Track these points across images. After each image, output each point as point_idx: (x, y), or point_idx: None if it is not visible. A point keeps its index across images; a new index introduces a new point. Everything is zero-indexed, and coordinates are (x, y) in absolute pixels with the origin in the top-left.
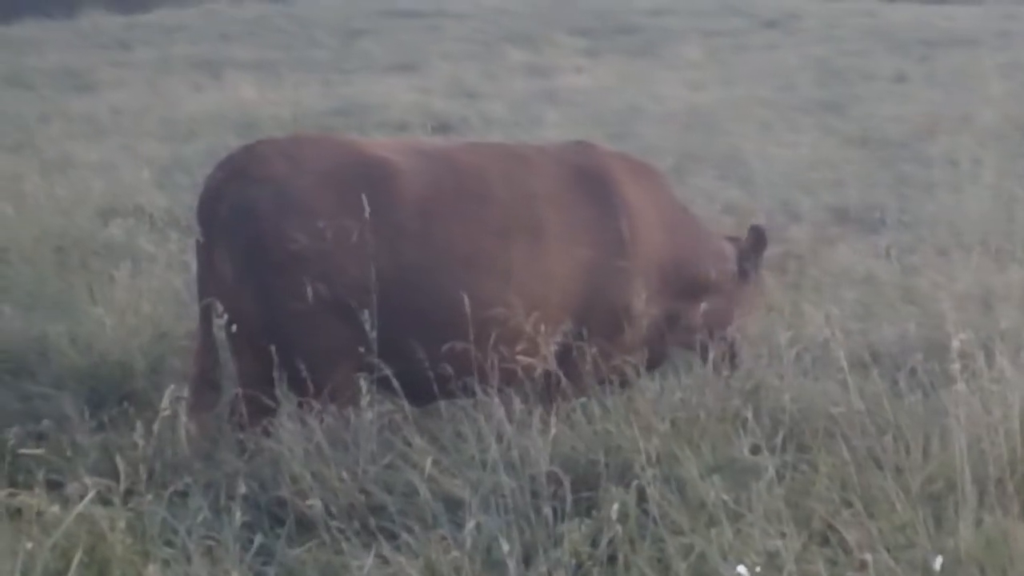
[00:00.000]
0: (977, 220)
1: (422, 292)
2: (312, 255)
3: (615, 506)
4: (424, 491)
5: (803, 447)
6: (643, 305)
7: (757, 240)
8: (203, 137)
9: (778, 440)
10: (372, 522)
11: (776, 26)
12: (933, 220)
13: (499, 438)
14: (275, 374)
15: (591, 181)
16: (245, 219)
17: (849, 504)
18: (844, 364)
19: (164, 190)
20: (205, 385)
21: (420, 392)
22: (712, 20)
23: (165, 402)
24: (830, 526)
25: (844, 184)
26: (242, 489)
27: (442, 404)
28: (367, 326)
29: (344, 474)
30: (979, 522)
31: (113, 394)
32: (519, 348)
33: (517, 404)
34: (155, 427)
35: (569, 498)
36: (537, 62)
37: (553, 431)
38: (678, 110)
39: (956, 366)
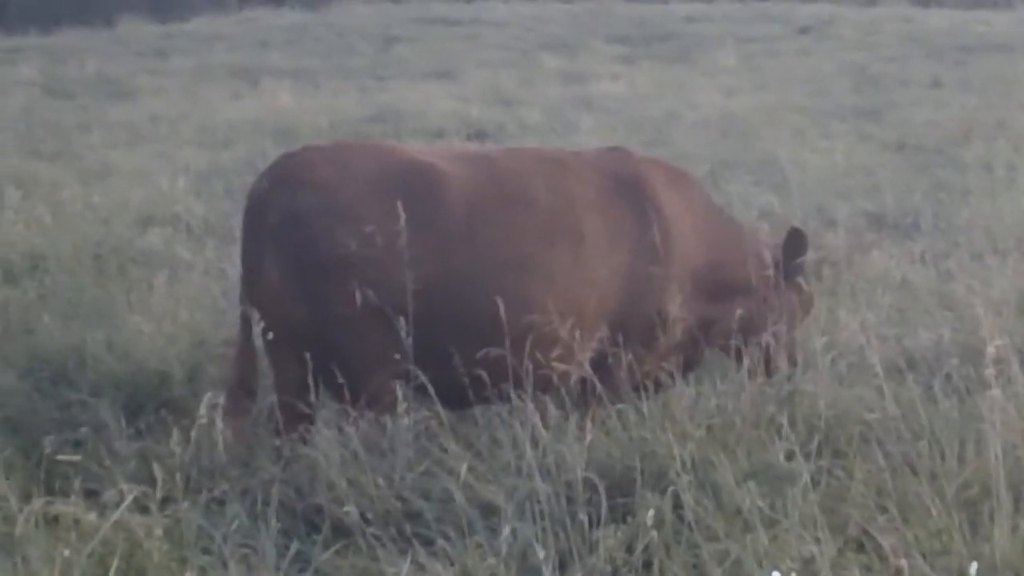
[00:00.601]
0: (1012, 225)
1: (467, 297)
2: (361, 260)
3: (650, 512)
4: (460, 497)
5: (838, 453)
6: (678, 311)
7: (795, 243)
8: (241, 144)
9: (813, 446)
10: (408, 529)
11: (810, 32)
12: (968, 225)
13: (535, 444)
14: (311, 381)
15: (627, 187)
16: (295, 225)
17: (884, 510)
18: (879, 370)
19: (201, 198)
20: (241, 392)
21: (461, 397)
22: (747, 26)
23: (202, 410)
24: (865, 532)
25: (880, 190)
26: (277, 496)
27: (478, 410)
28: (406, 331)
29: (380, 481)
30: (1015, 528)
31: (151, 402)
32: (556, 354)
33: (552, 410)
34: (192, 435)
35: (604, 504)
36: (573, 69)
37: (588, 437)
38: (713, 116)
39: (991, 371)
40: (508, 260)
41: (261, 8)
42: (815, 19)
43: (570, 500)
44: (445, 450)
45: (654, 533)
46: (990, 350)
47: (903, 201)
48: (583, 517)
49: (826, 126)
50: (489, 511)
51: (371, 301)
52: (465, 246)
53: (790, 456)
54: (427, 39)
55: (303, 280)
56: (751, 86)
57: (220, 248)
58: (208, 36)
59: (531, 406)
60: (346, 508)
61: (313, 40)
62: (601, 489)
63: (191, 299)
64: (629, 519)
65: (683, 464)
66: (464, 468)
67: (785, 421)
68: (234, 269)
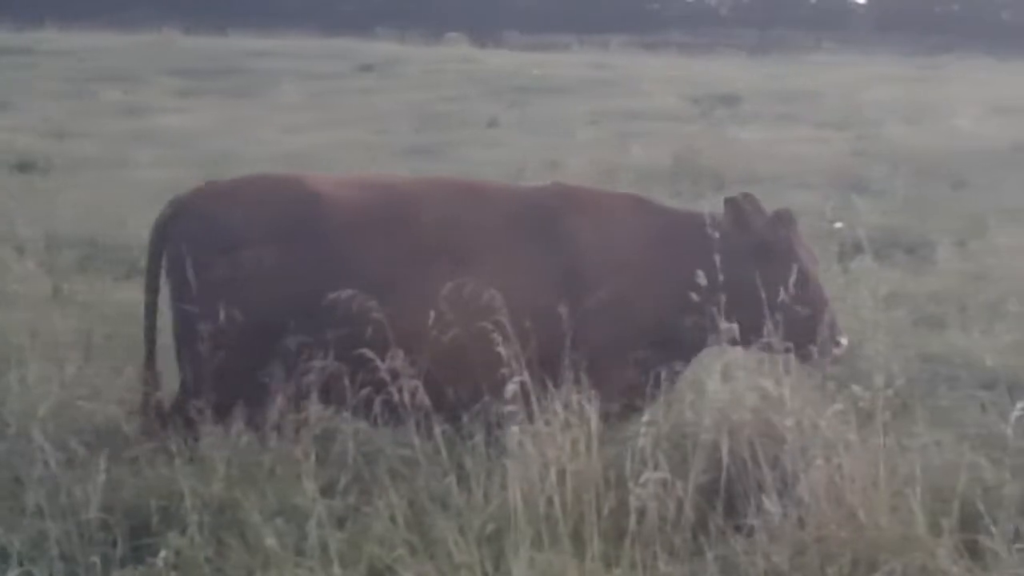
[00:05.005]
0: None
1: (335, 316)
2: (234, 282)
3: (162, 553)
4: None
5: (367, 490)
6: (598, 336)
7: (735, 214)
8: None
9: (341, 484)
10: None
11: (374, 70)
12: None
13: (55, 484)
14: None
15: (540, 216)
16: (181, 251)
17: (409, 545)
18: (408, 406)
19: None
20: (148, 408)
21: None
22: (312, 63)
23: None
24: (389, 567)
25: None
26: None
27: None
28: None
29: None
30: (532, 561)
31: None
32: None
33: (80, 449)
34: None
35: (121, 545)
36: (132, 102)
37: (102, 476)
38: (275, 153)
39: (512, 408)
40: (377, 281)
41: None
42: (379, 57)
43: (90, 540)
44: None
45: (173, 574)
46: (510, 387)
47: None
48: (96, 559)
49: (386, 164)
50: (3, 554)
51: (238, 319)
52: (335, 267)
53: (321, 493)
54: None
55: (186, 300)
56: (314, 123)
57: None
58: None
59: (47, 445)
60: None
61: None
62: (118, 530)
63: None
64: (148, 559)
65: (206, 502)
66: None
67: (313, 459)
68: None
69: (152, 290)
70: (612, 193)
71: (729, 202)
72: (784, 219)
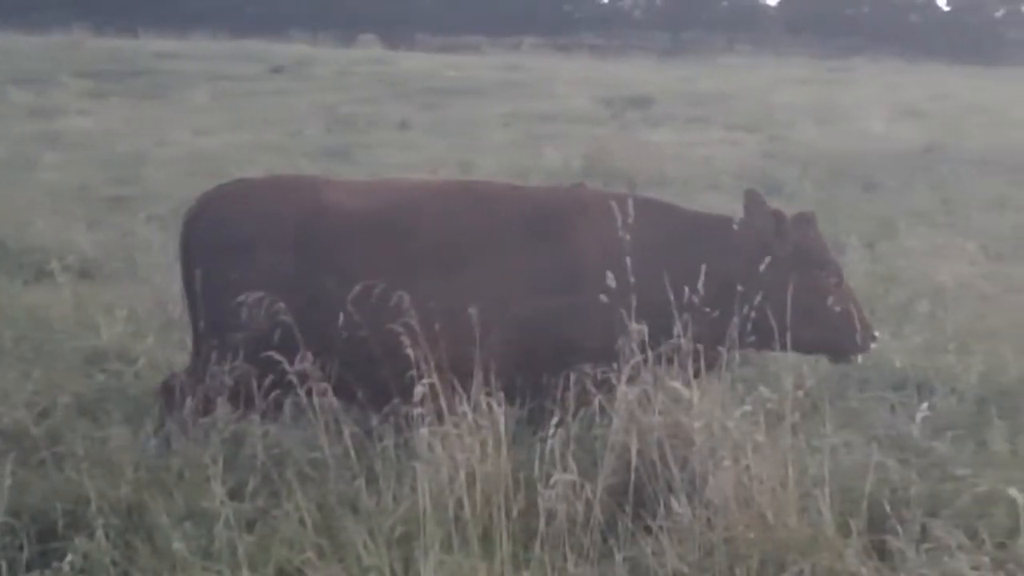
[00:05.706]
0: None
1: (332, 318)
2: (246, 283)
3: (69, 557)
4: None
5: (276, 493)
6: (601, 338)
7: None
8: None
9: (250, 487)
10: None
11: (285, 72)
12: None
13: None
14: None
15: (544, 219)
16: (200, 253)
17: (318, 548)
18: (317, 409)
19: None
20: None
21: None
22: (221, 64)
23: None
24: (300, 570)
25: None
26: None
27: None
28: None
29: None
30: (441, 563)
31: None
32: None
33: None
34: None
35: (28, 549)
36: (40, 104)
37: (9, 480)
38: (183, 155)
39: (420, 411)
40: (371, 284)
41: None
42: (290, 59)
43: None
44: None
45: None
46: (418, 389)
47: None
48: (2, 563)
49: (298, 166)
50: None
51: (245, 317)
52: (334, 271)
53: (230, 496)
54: None
55: (206, 297)
56: (224, 125)
57: None
58: None
59: None
60: None
61: None
62: (24, 534)
63: None
64: (55, 564)
65: (114, 506)
66: None
67: (221, 462)
68: None
69: (185, 278)
70: (630, 195)
71: (750, 194)
72: (808, 220)
